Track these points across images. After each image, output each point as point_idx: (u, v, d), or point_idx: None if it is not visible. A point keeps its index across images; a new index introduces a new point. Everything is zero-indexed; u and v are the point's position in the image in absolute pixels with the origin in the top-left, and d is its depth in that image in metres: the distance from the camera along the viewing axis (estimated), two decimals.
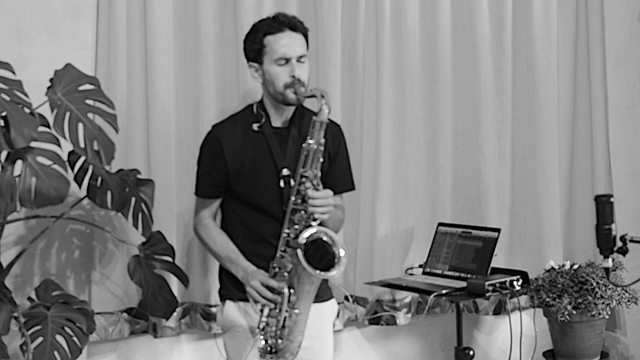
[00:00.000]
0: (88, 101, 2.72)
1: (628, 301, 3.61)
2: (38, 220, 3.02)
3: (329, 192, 2.66)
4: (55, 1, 3.14)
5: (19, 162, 2.53)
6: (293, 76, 2.66)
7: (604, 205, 2.32)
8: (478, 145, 3.71)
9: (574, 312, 3.52)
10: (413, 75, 3.59)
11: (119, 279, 3.21)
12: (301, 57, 2.69)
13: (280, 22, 2.70)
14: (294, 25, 2.71)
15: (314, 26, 3.41)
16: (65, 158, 2.68)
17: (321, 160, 2.64)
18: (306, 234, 2.57)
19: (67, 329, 2.74)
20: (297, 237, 2.58)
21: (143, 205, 2.95)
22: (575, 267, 3.64)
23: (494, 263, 3.34)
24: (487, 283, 3.15)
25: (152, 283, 2.92)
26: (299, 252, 2.54)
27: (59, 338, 2.72)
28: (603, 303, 3.53)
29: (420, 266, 3.55)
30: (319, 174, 2.64)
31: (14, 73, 2.61)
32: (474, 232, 3.44)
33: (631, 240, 2.32)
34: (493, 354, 3.91)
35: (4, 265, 2.80)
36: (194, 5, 3.28)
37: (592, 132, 3.89)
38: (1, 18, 3.06)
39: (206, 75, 3.30)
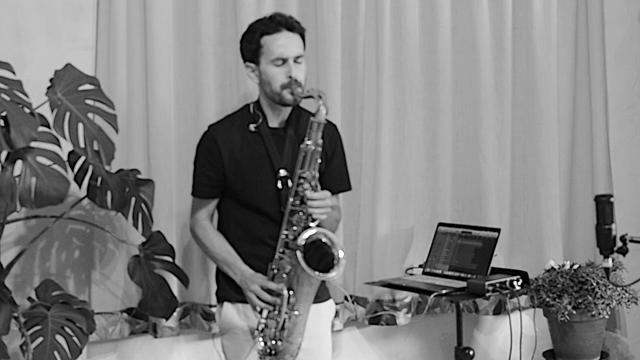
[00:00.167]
0: (88, 101, 2.72)
1: (628, 301, 3.61)
2: (38, 220, 3.02)
3: (327, 193, 2.66)
4: (55, 1, 3.14)
5: (19, 162, 2.53)
6: (290, 77, 2.65)
7: (604, 205, 2.32)
8: (478, 145, 3.71)
9: (574, 312, 3.52)
10: (413, 75, 3.59)
11: (119, 279, 3.21)
12: (298, 57, 2.68)
13: (277, 22, 2.68)
14: (291, 25, 2.70)
15: (313, 26, 3.41)
16: (65, 158, 2.68)
17: (319, 161, 2.64)
18: (305, 235, 2.56)
19: (67, 329, 2.74)
20: (295, 238, 2.57)
21: (143, 205, 2.95)
22: (575, 267, 3.64)
23: (494, 263, 3.34)
24: (487, 283, 3.15)
25: (152, 283, 2.92)
26: (299, 253, 2.53)
27: (59, 338, 2.72)
28: (603, 303, 3.53)
29: (420, 266, 3.55)
30: (317, 175, 2.64)
31: (14, 73, 2.61)
32: (474, 232, 3.44)
33: (631, 240, 2.32)
34: (493, 354, 3.91)
35: (4, 265, 2.80)
36: (194, 5, 3.28)
37: (592, 132, 3.89)
38: (1, 18, 3.06)
39: (206, 75, 3.30)
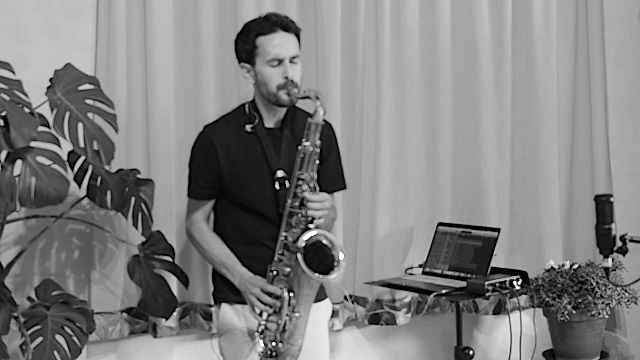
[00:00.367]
0: (88, 101, 2.72)
1: (628, 301, 3.61)
2: (38, 220, 3.01)
3: (327, 195, 2.65)
4: (55, 1, 3.14)
5: (19, 162, 2.53)
6: (286, 78, 2.63)
7: (604, 205, 2.32)
8: (478, 145, 3.71)
9: (574, 312, 3.52)
10: (413, 75, 3.59)
11: (119, 279, 3.21)
12: (294, 57, 2.66)
13: (272, 23, 2.66)
14: (286, 25, 2.67)
15: (313, 26, 3.41)
16: (65, 158, 2.68)
17: (317, 162, 2.63)
18: (306, 237, 2.54)
19: (67, 329, 2.74)
20: (296, 241, 2.55)
21: (143, 205, 2.95)
22: (575, 267, 3.64)
23: (494, 263, 3.34)
24: (487, 283, 3.15)
25: (152, 283, 2.92)
26: (299, 256, 2.52)
27: (59, 338, 2.72)
28: (603, 303, 3.53)
29: (420, 266, 3.55)
30: (316, 176, 2.62)
31: (14, 73, 2.61)
32: (474, 232, 3.44)
33: (631, 240, 2.32)
34: (493, 354, 3.91)
35: (4, 265, 2.80)
36: (194, 5, 3.28)
37: (592, 132, 3.89)
38: (1, 18, 3.06)
39: (206, 75, 3.30)
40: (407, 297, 3.59)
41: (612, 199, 2.32)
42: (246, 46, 2.68)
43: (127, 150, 3.19)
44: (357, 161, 3.53)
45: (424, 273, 3.51)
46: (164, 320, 3.19)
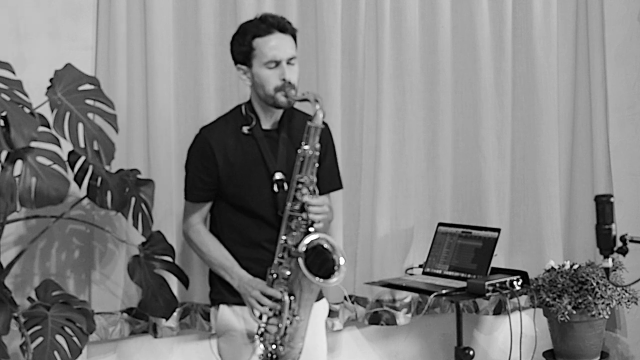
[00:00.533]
0: (88, 101, 2.72)
1: (628, 301, 3.61)
2: (38, 220, 3.01)
3: (326, 198, 2.65)
4: (55, 1, 3.14)
5: (19, 162, 2.53)
6: (284, 79, 2.62)
7: (604, 205, 2.32)
8: (478, 145, 3.71)
9: (574, 312, 3.52)
10: (413, 75, 3.59)
11: (119, 279, 3.21)
12: (291, 59, 2.65)
13: (269, 24, 2.63)
14: (282, 26, 2.65)
15: (313, 26, 3.41)
16: (65, 158, 2.68)
17: (317, 165, 2.62)
18: (307, 240, 2.53)
19: (67, 329, 2.74)
20: (297, 245, 2.54)
21: (143, 205, 2.95)
22: (575, 267, 3.64)
23: (494, 263, 3.34)
24: (487, 283, 3.15)
25: (152, 283, 2.92)
26: (300, 260, 2.51)
27: (59, 338, 2.72)
28: (603, 303, 3.53)
29: (420, 266, 3.55)
30: (315, 179, 2.61)
31: (14, 73, 2.61)
32: (474, 232, 3.44)
33: (631, 240, 2.32)
34: (493, 354, 3.91)
35: (4, 265, 2.80)
36: (194, 5, 3.28)
37: (592, 132, 3.89)
38: (1, 18, 3.06)
39: (206, 75, 3.30)
40: (407, 297, 3.59)
41: (612, 199, 2.32)
42: (242, 48, 2.67)
43: (127, 150, 3.19)
44: (357, 161, 3.53)
45: (424, 273, 3.51)
46: (164, 320, 3.19)
